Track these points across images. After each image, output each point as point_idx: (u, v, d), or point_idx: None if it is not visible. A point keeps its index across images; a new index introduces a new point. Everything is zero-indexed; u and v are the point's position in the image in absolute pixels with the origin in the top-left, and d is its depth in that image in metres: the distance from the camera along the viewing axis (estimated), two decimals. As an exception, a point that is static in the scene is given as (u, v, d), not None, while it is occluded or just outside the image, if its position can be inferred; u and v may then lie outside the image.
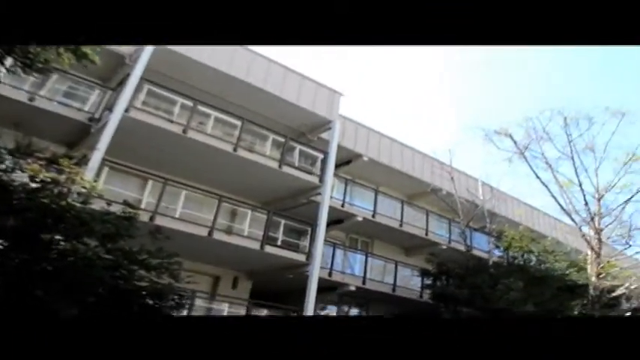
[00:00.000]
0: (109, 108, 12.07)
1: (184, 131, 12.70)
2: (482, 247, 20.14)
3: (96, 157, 10.94)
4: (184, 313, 11.06)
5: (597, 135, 19.76)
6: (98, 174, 11.01)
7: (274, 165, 14.50)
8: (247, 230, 13.80)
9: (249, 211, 14.19)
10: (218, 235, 12.87)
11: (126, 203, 8.52)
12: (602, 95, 48.85)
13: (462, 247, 19.06)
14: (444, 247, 19.60)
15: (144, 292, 8.01)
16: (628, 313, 18.72)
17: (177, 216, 12.37)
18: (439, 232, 20.06)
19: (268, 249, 13.72)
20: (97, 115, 12.23)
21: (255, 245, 13.54)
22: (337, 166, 17.04)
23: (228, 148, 13.55)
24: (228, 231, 13.43)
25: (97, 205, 8.33)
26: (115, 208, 8.30)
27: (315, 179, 15.53)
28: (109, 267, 7.28)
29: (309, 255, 14.59)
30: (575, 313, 15.98)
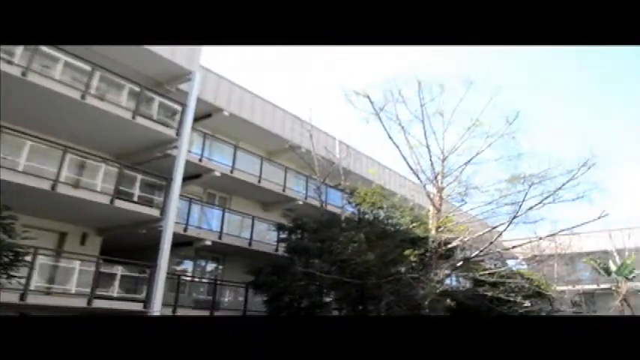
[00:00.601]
0: None
1: (24, 74, 11.97)
2: (337, 203, 21.78)
3: None
4: (23, 270, 10.80)
5: (447, 101, 21.50)
6: None
7: (127, 116, 14.26)
8: (100, 185, 13.54)
9: (103, 165, 13.90)
10: (64, 189, 12.54)
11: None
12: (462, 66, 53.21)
13: (317, 203, 20.43)
14: (301, 202, 20.94)
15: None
16: (460, 262, 21.41)
17: (20, 169, 11.78)
18: (296, 188, 21.31)
19: (119, 204, 13.70)
20: None
21: (105, 200, 13.40)
22: (196, 119, 17.19)
23: (76, 95, 13.04)
24: (76, 185, 13.08)
25: None
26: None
27: (171, 132, 15.58)
28: None
29: (164, 210, 14.76)
30: (413, 259, 17.94)
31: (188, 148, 16.31)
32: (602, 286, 32.22)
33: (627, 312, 28.44)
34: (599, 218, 19.94)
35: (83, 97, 13.17)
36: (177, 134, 15.70)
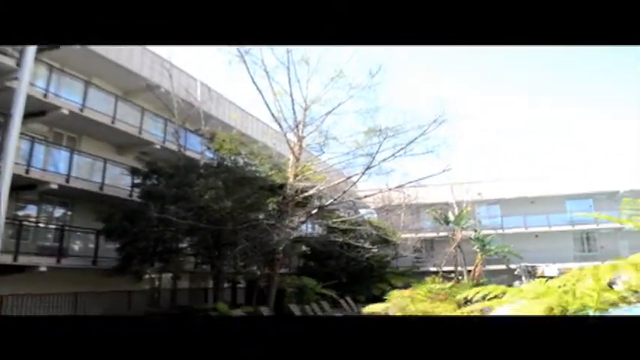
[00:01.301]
0: None
1: None
2: (196, 148, 21.68)
3: None
4: None
5: (314, 49, 21.71)
6: None
7: (-44, 41, 12.77)
8: None
9: None
10: None
11: None
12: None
13: (175, 148, 20.18)
14: (158, 146, 20.49)
15: None
16: (315, 210, 22.63)
17: None
18: (154, 131, 20.74)
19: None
20: None
21: None
22: (41, 49, 15.79)
23: None
24: None
25: None
26: None
27: (11, 61, 14.29)
28: None
29: (1, 149, 13.66)
30: (270, 207, 18.69)
31: (31, 80, 15.05)
32: (441, 234, 36.27)
33: (459, 256, 32.24)
34: (443, 172, 22.17)
35: None
36: (18, 64, 14.40)
